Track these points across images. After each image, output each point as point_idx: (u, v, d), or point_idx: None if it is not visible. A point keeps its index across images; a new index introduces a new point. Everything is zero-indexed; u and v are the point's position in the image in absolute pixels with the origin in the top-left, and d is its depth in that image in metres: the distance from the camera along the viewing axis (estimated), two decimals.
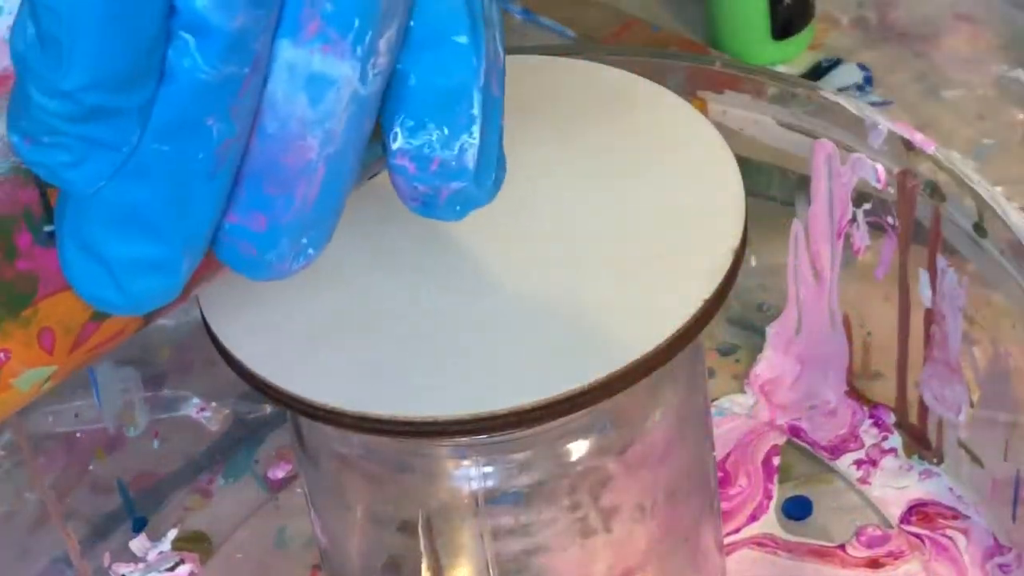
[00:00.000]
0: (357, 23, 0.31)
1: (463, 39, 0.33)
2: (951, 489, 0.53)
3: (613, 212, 0.40)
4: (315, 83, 0.31)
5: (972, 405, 0.52)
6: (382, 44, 0.32)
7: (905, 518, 0.53)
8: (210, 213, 0.32)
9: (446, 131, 0.34)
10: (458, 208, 0.35)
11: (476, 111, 0.34)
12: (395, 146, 0.34)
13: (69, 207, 0.31)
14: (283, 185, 0.32)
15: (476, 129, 0.34)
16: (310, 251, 0.33)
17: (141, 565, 0.54)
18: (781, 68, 0.66)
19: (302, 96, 0.31)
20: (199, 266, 0.33)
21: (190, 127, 0.31)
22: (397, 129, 0.33)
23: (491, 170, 0.35)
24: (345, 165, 0.33)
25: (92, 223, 0.31)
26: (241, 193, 0.32)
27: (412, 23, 0.33)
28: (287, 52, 0.31)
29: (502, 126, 0.35)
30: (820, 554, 0.52)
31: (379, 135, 0.34)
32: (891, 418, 0.56)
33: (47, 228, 0.33)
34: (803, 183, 0.54)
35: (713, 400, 0.56)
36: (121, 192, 0.31)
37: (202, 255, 0.32)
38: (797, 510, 0.54)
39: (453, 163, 0.34)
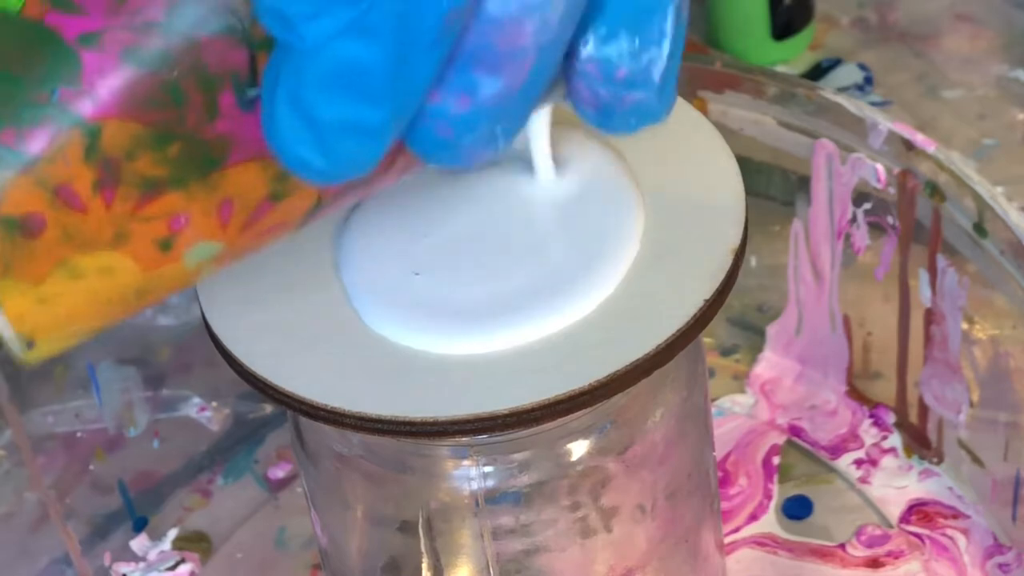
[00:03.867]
0: None
1: None
2: (951, 489, 0.53)
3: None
4: None
5: (972, 405, 0.52)
6: None
7: (905, 518, 0.53)
8: (423, 84, 0.32)
9: (637, 43, 0.34)
10: (633, 120, 0.35)
11: (668, 27, 0.34)
12: (585, 51, 0.34)
13: (287, 63, 0.31)
14: (493, 68, 0.32)
15: (666, 44, 0.34)
16: (501, 140, 0.34)
17: (141, 565, 0.54)
18: (781, 68, 0.66)
19: None
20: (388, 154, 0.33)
21: None
22: (590, 35, 0.34)
23: (672, 87, 0.35)
24: (553, 56, 0.33)
25: (309, 81, 0.31)
26: (450, 72, 0.32)
27: None
28: None
29: (683, 46, 0.35)
30: (820, 554, 0.52)
31: None
32: (891, 418, 0.56)
33: (251, 92, 0.33)
34: (803, 183, 0.54)
35: (713, 400, 0.56)
36: (347, 50, 0.31)
37: (403, 127, 0.33)
38: (797, 510, 0.54)
39: (639, 75, 0.34)
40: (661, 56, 0.34)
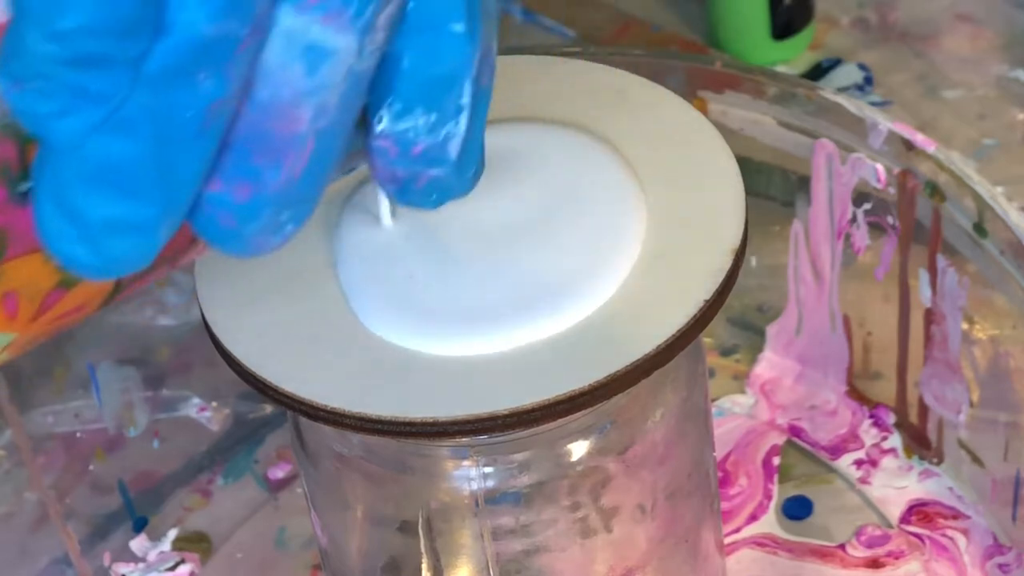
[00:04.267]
0: None
1: (460, 27, 0.33)
2: (951, 489, 0.53)
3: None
4: (312, 53, 0.31)
5: (972, 405, 0.52)
6: (381, 20, 0.32)
7: (905, 518, 0.53)
8: (193, 176, 0.31)
9: (433, 118, 0.33)
10: (434, 196, 0.35)
11: (465, 101, 0.33)
12: (379, 128, 0.33)
13: (49, 161, 0.31)
14: (271, 155, 0.32)
15: (463, 119, 0.34)
16: (288, 227, 0.33)
17: (141, 565, 0.54)
18: (781, 68, 0.66)
19: (298, 65, 0.31)
20: (171, 240, 0.32)
21: (182, 83, 0.30)
22: (383, 111, 0.33)
23: (473, 161, 0.35)
24: (335, 141, 0.32)
25: (71, 179, 0.30)
26: (227, 160, 0.32)
27: (411, 5, 0.33)
28: (287, 19, 0.31)
29: (486, 119, 0.35)
30: (820, 554, 0.52)
31: (360, 119, 0.33)
32: (891, 418, 0.56)
33: (23, 186, 0.32)
34: (803, 183, 0.54)
35: (713, 400, 0.56)
36: (104, 146, 0.30)
37: (180, 221, 0.32)
38: (797, 510, 0.54)
39: (436, 150, 0.34)
40: (458, 131, 0.34)
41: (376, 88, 0.33)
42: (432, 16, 0.33)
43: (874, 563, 0.52)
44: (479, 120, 0.34)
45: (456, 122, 0.34)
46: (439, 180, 0.34)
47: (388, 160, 0.34)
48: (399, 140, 0.34)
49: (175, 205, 0.31)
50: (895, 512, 0.53)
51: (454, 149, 0.34)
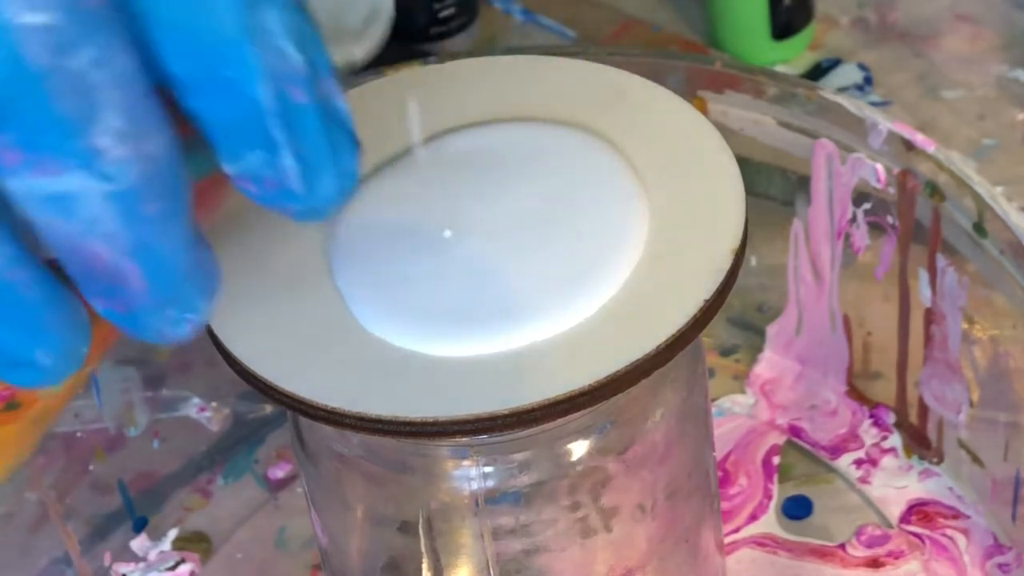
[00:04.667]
0: (51, 138, 0.29)
1: (232, 72, 0.31)
2: (951, 489, 0.53)
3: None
4: (54, 203, 0.30)
5: (972, 405, 0.52)
6: (107, 138, 0.30)
7: (905, 518, 0.53)
8: (31, 321, 0.31)
9: (263, 155, 0.32)
10: (313, 216, 0.34)
11: (277, 134, 0.32)
12: (230, 172, 0.33)
13: None
14: (108, 280, 0.31)
15: (287, 151, 0.32)
16: (188, 316, 0.32)
17: (141, 565, 0.54)
18: (781, 68, 0.66)
19: (52, 217, 0.30)
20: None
21: None
22: (222, 159, 0.32)
23: (324, 183, 0.33)
24: (159, 245, 0.31)
25: None
26: (86, 286, 0.31)
27: (177, 70, 0.31)
28: (8, 185, 0.30)
29: (341, 129, 0.33)
30: (820, 554, 0.52)
31: None
32: (891, 418, 0.56)
33: None
34: (803, 183, 0.54)
35: (713, 400, 0.56)
36: None
37: (74, 350, 0.32)
38: (797, 510, 0.54)
39: (280, 185, 0.33)
40: (287, 165, 0.32)
41: (210, 141, 0.32)
42: (200, 71, 0.31)
43: (874, 563, 0.52)
44: (315, 138, 0.33)
45: (281, 155, 0.32)
46: (304, 211, 0.33)
47: (254, 195, 0.33)
48: (251, 178, 0.33)
49: (47, 341, 0.31)
50: (895, 512, 0.53)
51: (294, 181, 0.33)
